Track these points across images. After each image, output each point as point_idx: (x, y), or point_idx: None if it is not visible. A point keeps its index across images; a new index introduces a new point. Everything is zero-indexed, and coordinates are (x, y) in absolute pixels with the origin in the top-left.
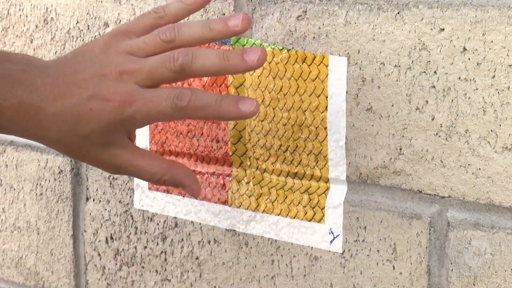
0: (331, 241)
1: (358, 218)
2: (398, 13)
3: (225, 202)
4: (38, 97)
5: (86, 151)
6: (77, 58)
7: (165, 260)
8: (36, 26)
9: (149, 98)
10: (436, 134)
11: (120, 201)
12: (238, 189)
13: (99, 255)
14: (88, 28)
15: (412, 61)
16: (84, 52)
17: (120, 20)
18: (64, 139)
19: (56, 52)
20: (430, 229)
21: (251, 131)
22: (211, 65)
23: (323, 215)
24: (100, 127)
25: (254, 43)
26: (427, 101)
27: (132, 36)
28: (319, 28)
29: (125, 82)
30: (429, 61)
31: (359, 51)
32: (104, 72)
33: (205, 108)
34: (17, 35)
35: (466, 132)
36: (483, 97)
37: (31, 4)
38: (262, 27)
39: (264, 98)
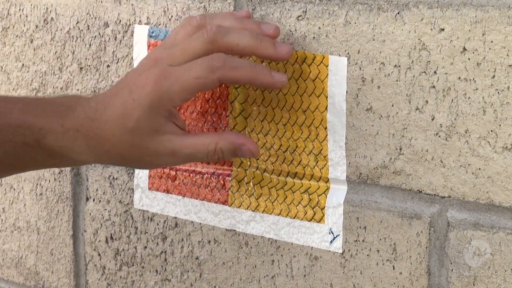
0: (331, 241)
1: (358, 218)
2: (398, 13)
3: (225, 202)
4: (91, 110)
5: (139, 146)
6: (122, 77)
7: (165, 260)
8: (36, 26)
9: (184, 68)
10: (436, 134)
11: (120, 201)
12: (238, 189)
13: (99, 255)
14: (88, 28)
15: (412, 61)
16: (126, 73)
17: (120, 20)
18: (119, 140)
19: (56, 52)
20: (430, 229)
21: (251, 131)
22: (244, 41)
23: (323, 215)
24: (143, 112)
25: None
26: (427, 101)
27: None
28: (319, 28)
29: (159, 65)
30: (429, 61)
31: (359, 51)
32: (143, 69)
33: (241, 69)
34: (17, 35)
35: (466, 132)
36: (483, 97)
37: (31, 4)
38: None
39: (264, 98)
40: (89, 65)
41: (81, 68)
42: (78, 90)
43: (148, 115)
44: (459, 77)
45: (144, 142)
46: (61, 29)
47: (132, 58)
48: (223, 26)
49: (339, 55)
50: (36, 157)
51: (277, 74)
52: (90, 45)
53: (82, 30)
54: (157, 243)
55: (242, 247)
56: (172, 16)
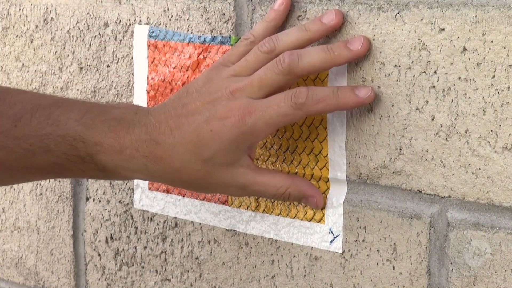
0: (331, 241)
1: (358, 218)
2: (398, 13)
3: (225, 202)
4: (155, 131)
5: (210, 176)
6: (181, 95)
7: (165, 260)
8: (36, 26)
9: (267, 104)
10: (436, 134)
11: (120, 201)
12: None
13: (99, 255)
14: (88, 28)
15: (412, 61)
16: (187, 89)
17: (120, 20)
18: (188, 167)
19: (56, 52)
20: (430, 229)
21: None
22: (318, 59)
23: (323, 215)
24: (223, 145)
25: None
26: (427, 101)
27: (229, 64)
28: None
29: (239, 98)
30: (429, 61)
31: None
32: (215, 96)
33: (324, 100)
34: (17, 35)
35: (466, 132)
36: (483, 97)
37: (31, 4)
38: None
39: None
40: (89, 65)
41: (81, 68)
42: (78, 90)
43: (228, 149)
44: (459, 77)
45: (216, 173)
46: (61, 29)
47: (132, 58)
48: (293, 51)
49: None
50: (85, 170)
51: (361, 91)
52: (90, 45)
53: (82, 30)
54: (157, 243)
55: (242, 247)
56: (172, 16)
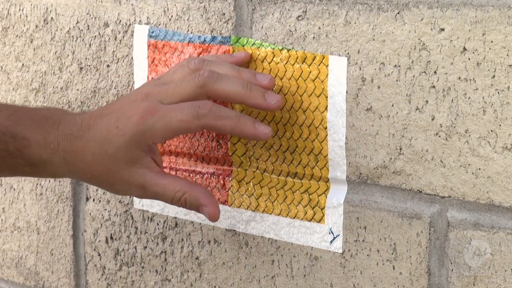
0: (331, 241)
1: (358, 218)
2: (398, 13)
3: (225, 202)
4: (76, 127)
5: (114, 172)
6: (115, 99)
7: (165, 260)
8: (36, 26)
9: (171, 109)
10: (436, 134)
11: (120, 201)
12: (238, 189)
13: (99, 255)
14: (88, 28)
15: (412, 61)
16: (124, 95)
17: (120, 20)
18: (97, 162)
19: (56, 52)
20: (430, 229)
21: None
22: (233, 90)
23: (323, 215)
24: (124, 142)
25: (254, 43)
26: (427, 101)
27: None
28: (319, 28)
29: (149, 100)
30: (429, 61)
31: (359, 51)
32: (133, 98)
33: (225, 119)
34: (17, 35)
35: (466, 132)
36: (483, 97)
37: (31, 4)
38: (262, 27)
39: None
40: (89, 65)
41: (81, 68)
42: (78, 90)
43: (128, 145)
44: (459, 77)
45: (119, 170)
46: (61, 29)
47: (132, 58)
48: (216, 72)
49: (339, 55)
50: (14, 165)
51: (261, 126)
52: (90, 45)
53: (82, 30)
54: (157, 243)
55: (242, 247)
56: (172, 16)
